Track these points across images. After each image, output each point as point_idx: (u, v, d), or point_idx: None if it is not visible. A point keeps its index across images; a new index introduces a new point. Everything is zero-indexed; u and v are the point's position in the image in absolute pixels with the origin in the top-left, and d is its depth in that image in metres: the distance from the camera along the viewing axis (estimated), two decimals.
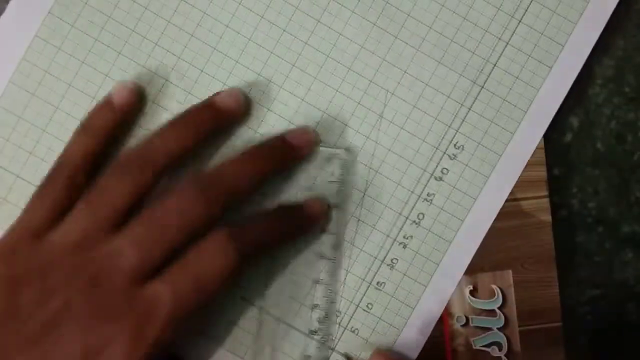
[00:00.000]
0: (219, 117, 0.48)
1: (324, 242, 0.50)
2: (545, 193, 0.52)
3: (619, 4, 0.51)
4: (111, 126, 0.48)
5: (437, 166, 0.51)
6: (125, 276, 0.43)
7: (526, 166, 0.51)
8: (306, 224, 0.49)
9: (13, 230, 0.45)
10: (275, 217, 0.48)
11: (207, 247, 0.44)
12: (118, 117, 0.48)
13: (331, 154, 0.50)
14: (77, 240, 0.44)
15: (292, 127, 0.50)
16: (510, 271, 0.52)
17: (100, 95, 0.50)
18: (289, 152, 0.49)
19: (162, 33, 0.50)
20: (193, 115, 0.48)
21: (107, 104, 0.48)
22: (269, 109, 0.50)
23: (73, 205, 0.45)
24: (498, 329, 0.52)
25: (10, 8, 0.50)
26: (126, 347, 0.41)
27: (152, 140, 0.46)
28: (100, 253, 0.43)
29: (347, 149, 0.51)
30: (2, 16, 0.50)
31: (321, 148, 0.50)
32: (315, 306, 0.50)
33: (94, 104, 0.50)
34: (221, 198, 0.45)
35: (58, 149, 0.49)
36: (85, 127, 0.48)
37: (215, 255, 0.44)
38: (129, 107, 0.49)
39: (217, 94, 0.49)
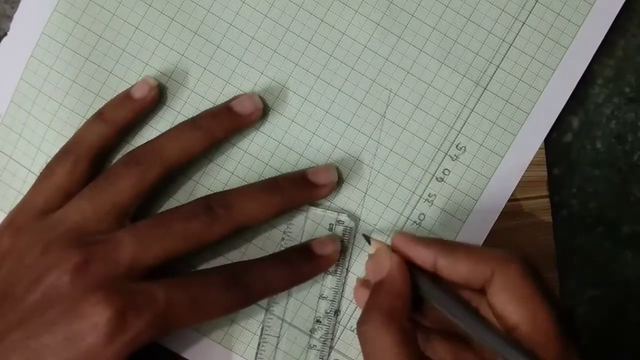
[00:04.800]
0: (235, 122, 0.49)
1: None
2: (546, 193, 0.52)
3: None
4: (126, 118, 0.48)
5: (438, 167, 0.51)
6: (120, 266, 0.43)
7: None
8: (317, 271, 0.50)
9: (18, 209, 0.46)
10: (288, 264, 0.48)
11: (212, 278, 0.45)
12: (134, 110, 0.49)
13: (335, 220, 0.50)
14: (76, 225, 0.44)
15: (295, 124, 0.51)
16: None
17: (105, 93, 0.50)
18: (309, 190, 0.49)
19: (166, 31, 0.50)
20: (209, 119, 0.48)
21: (126, 96, 0.49)
22: (271, 108, 0.50)
23: (76, 189, 0.46)
24: None
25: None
26: (107, 335, 0.41)
27: (163, 140, 0.47)
28: (97, 240, 0.44)
29: (351, 216, 0.51)
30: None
31: (327, 212, 0.51)
32: (319, 302, 0.50)
33: (98, 101, 0.50)
34: (230, 222, 0.46)
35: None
36: (99, 115, 0.48)
37: (217, 290, 0.44)
38: (147, 103, 0.49)
39: (235, 98, 0.49)
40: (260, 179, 0.50)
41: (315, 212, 0.50)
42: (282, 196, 0.48)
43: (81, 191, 0.46)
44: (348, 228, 0.50)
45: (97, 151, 0.47)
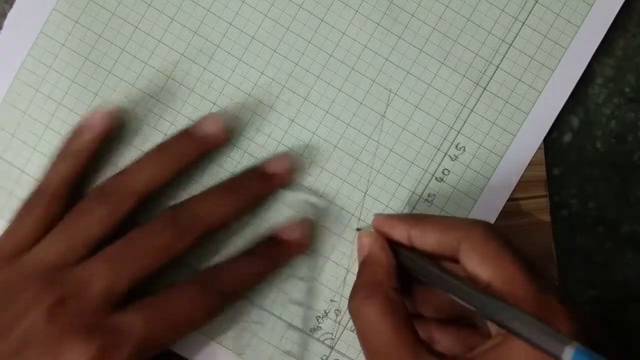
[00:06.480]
0: (199, 147, 0.48)
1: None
2: (545, 193, 0.52)
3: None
4: (87, 150, 0.48)
5: (438, 167, 0.51)
6: (95, 299, 0.43)
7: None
8: (287, 256, 0.50)
9: None
10: (257, 257, 0.48)
11: (180, 292, 0.45)
12: (94, 141, 0.48)
13: (300, 200, 0.50)
14: (50, 262, 0.44)
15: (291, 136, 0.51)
16: None
17: (104, 92, 0.50)
18: (266, 183, 0.49)
19: (166, 30, 0.50)
20: (173, 146, 0.48)
21: (83, 128, 0.48)
22: (271, 108, 0.50)
23: (49, 226, 0.46)
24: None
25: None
26: None
27: (132, 170, 0.47)
28: (71, 276, 0.44)
29: (321, 195, 0.51)
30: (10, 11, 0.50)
31: (294, 193, 0.50)
32: (298, 302, 0.51)
33: (97, 100, 0.50)
34: (193, 231, 0.46)
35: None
36: (62, 154, 0.48)
37: (186, 303, 0.45)
38: (106, 130, 0.48)
39: (198, 121, 0.49)
40: None
41: (286, 197, 0.50)
42: (243, 193, 0.48)
43: (54, 228, 0.46)
44: (320, 209, 0.50)
45: (67, 187, 0.47)
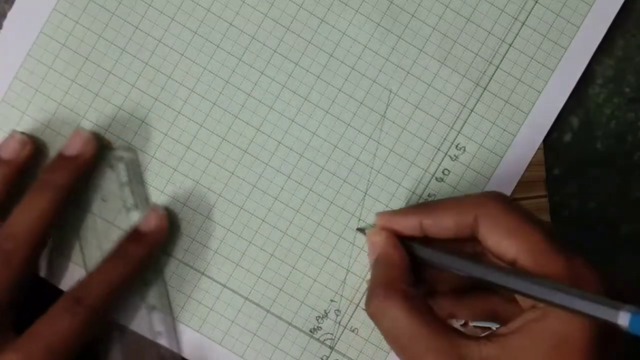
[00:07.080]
0: (75, 165, 0.48)
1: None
2: (545, 193, 0.52)
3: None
4: (3, 181, 0.47)
5: (438, 167, 0.51)
6: None
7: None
8: (149, 248, 0.48)
9: None
10: (122, 257, 0.47)
11: (53, 312, 0.44)
12: (8, 171, 0.47)
13: (114, 158, 0.49)
14: None
15: (295, 128, 0.51)
16: None
17: (104, 92, 0.50)
18: (71, 166, 0.48)
19: (166, 30, 0.50)
20: (48, 174, 0.47)
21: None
22: (271, 108, 0.50)
23: None
24: (498, 329, 0.51)
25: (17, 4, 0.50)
26: None
27: (15, 218, 0.46)
28: None
29: (127, 148, 0.50)
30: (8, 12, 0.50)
31: (107, 154, 0.50)
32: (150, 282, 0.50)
33: (98, 100, 0.50)
34: (19, 251, 0.45)
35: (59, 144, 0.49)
36: None
37: (62, 318, 0.44)
38: (21, 159, 0.48)
39: (67, 142, 0.48)
40: (260, 179, 0.51)
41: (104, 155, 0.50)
42: (52, 190, 0.47)
43: None
44: (129, 159, 0.50)
45: None
